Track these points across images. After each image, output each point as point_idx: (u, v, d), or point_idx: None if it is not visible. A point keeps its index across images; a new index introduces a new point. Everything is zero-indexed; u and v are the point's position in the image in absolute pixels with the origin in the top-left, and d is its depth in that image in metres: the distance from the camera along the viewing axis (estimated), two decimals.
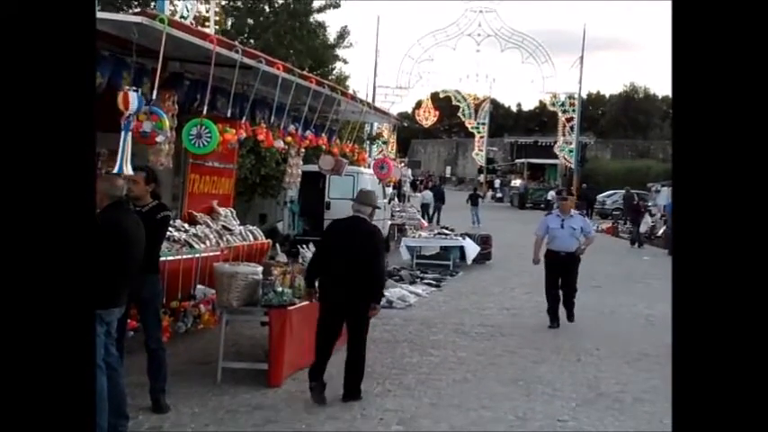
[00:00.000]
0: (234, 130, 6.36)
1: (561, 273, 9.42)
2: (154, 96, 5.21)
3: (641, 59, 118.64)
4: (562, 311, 9.50)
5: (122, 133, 4.69)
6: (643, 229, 22.44)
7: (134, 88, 4.83)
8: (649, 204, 25.57)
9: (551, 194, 37.20)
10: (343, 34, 19.40)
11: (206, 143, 5.78)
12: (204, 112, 5.97)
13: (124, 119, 4.73)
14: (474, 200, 27.57)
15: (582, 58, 33.48)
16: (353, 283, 5.80)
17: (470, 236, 16.15)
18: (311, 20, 17.13)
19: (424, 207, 27.30)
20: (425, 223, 21.95)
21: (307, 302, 6.36)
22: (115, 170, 4.72)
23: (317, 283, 6.10)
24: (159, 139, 5.22)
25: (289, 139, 7.78)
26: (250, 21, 16.42)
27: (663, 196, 27.14)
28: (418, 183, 43.22)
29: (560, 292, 9.48)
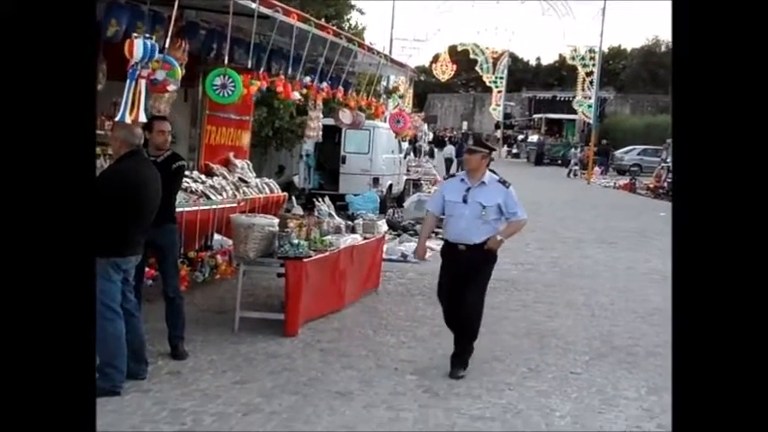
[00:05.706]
0: (258, 82, 6.49)
1: (461, 279, 5.53)
2: (166, 45, 5.15)
3: (666, 11, 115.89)
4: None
5: (127, 81, 4.65)
6: None
7: (143, 35, 4.74)
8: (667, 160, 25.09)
9: (572, 152, 36.33)
10: None
11: (230, 93, 5.90)
12: (225, 62, 6.00)
13: (129, 67, 4.68)
14: None
15: (604, 9, 32.67)
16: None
17: None
18: None
19: (448, 161, 27.56)
20: (440, 179, 21.94)
21: (322, 255, 6.62)
22: (117, 118, 4.67)
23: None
24: (171, 87, 5.19)
25: (305, 90, 7.72)
26: None
27: None
28: (446, 140, 41.66)
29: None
